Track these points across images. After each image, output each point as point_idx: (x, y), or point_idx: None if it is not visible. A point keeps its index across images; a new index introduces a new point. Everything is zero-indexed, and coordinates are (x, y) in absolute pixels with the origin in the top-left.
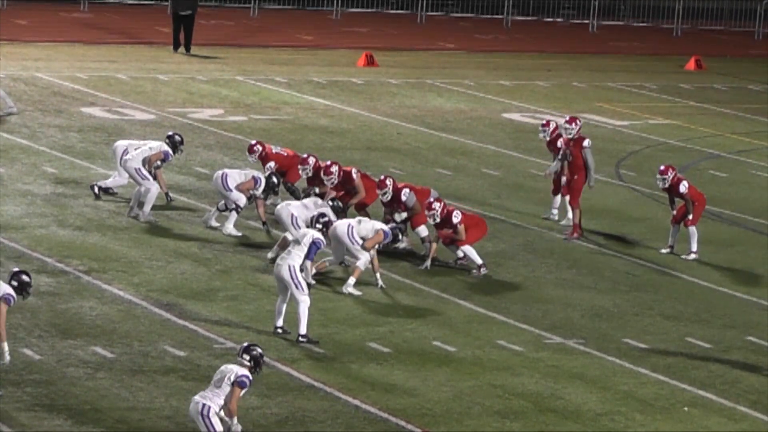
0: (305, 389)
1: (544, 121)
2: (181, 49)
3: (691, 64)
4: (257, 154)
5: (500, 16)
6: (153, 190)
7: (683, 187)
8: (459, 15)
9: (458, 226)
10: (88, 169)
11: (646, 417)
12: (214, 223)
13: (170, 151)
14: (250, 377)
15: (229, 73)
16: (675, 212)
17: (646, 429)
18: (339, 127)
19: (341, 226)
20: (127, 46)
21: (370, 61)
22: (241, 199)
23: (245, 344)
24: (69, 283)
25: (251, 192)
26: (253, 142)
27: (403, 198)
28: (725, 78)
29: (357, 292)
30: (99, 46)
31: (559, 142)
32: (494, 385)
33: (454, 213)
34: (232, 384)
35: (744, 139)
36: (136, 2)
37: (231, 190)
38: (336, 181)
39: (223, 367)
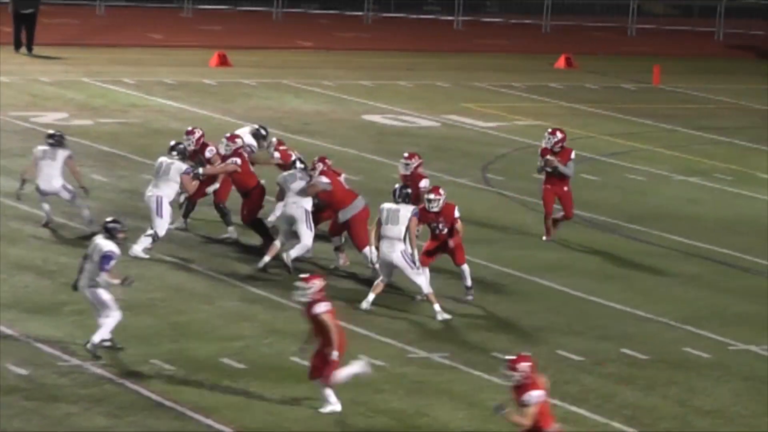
0: (155, 408)
1: (551, 129)
2: (23, 49)
3: (560, 62)
4: (195, 137)
5: (360, 13)
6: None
7: (425, 182)
8: (317, 12)
9: (459, 221)
10: None
11: None
12: (140, 253)
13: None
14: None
15: (75, 75)
16: None
17: None
18: None
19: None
20: None
21: (223, 61)
22: (163, 229)
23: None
24: None
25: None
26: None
27: (423, 185)
28: (597, 76)
29: (448, 316)
30: None
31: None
32: (356, 402)
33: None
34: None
35: (617, 140)
36: None
37: (162, 216)
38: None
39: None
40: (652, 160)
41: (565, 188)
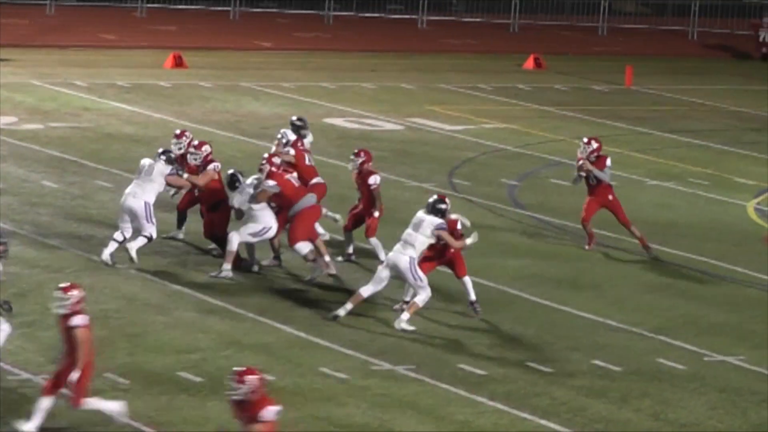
0: (109, 423)
1: (586, 139)
2: None
3: (529, 63)
4: (186, 141)
5: (321, 12)
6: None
7: (374, 179)
8: (276, 11)
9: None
10: None
11: None
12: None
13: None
14: None
15: (24, 77)
16: (353, 210)
17: None
18: (146, 135)
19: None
20: None
21: (179, 63)
22: (155, 231)
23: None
24: None
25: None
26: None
27: (371, 182)
28: (567, 77)
29: (410, 328)
30: None
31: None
32: (318, 416)
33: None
34: None
35: None
36: None
37: (152, 221)
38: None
39: None
40: (625, 164)
41: (610, 197)
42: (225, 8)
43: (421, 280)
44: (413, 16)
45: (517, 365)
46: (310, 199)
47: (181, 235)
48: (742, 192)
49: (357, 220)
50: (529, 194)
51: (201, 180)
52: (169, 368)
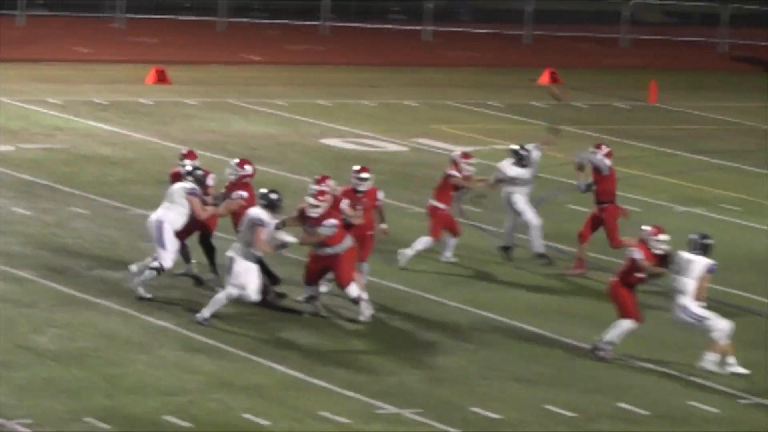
0: None
1: (596, 145)
2: None
3: (544, 78)
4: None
5: (315, 23)
6: None
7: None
8: (266, 22)
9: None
10: None
11: None
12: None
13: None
14: None
15: None
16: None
17: None
18: (123, 157)
19: None
20: None
21: (161, 78)
22: (169, 260)
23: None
24: None
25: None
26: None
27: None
28: (585, 94)
29: (743, 371)
30: None
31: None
32: None
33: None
34: None
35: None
36: None
37: (164, 246)
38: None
39: None
40: (649, 188)
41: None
42: (211, 19)
43: (704, 317)
44: (417, 27)
45: (533, 408)
46: (349, 240)
47: (194, 270)
48: None
49: None
50: (547, 221)
51: (222, 209)
52: (153, 412)
